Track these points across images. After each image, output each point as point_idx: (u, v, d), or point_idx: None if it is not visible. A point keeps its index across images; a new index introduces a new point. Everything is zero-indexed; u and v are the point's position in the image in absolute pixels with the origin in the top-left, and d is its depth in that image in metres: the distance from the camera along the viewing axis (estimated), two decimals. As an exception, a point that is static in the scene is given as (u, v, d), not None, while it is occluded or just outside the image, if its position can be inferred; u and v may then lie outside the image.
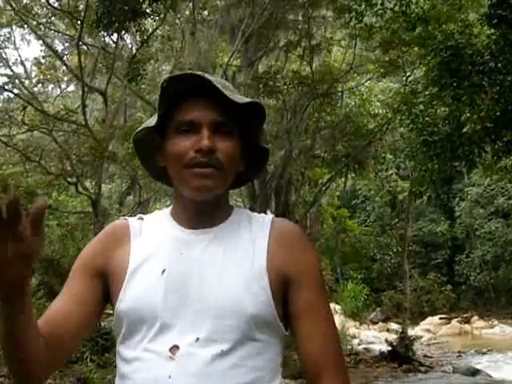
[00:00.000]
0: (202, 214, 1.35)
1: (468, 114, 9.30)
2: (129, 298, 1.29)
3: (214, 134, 1.30)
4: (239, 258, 1.30)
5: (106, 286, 1.34)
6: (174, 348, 1.23)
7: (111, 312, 1.36)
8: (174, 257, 1.31)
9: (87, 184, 13.16)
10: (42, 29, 14.83)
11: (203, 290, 1.27)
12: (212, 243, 1.32)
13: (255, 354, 1.26)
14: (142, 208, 13.39)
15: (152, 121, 1.36)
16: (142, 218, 1.42)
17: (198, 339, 1.23)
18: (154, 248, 1.33)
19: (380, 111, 15.26)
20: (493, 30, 8.94)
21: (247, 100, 1.33)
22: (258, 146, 1.42)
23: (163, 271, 1.29)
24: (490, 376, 12.19)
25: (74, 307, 1.32)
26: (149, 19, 12.61)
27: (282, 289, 1.30)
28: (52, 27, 15.05)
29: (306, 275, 1.33)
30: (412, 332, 16.23)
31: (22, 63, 20.04)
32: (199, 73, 1.34)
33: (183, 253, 1.31)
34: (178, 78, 1.32)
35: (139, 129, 1.39)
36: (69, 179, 13.13)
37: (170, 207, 1.43)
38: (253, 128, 1.40)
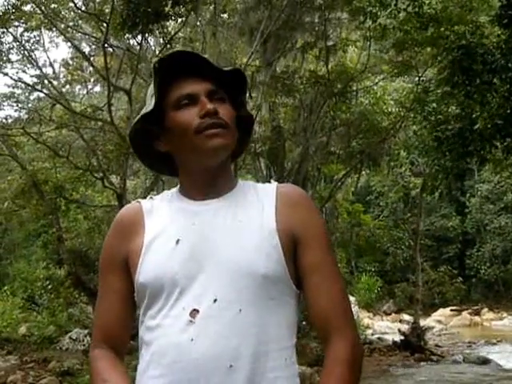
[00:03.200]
0: (209, 183, 1.38)
1: (479, 112, 9.11)
2: (146, 269, 1.32)
3: (211, 102, 1.35)
4: (249, 221, 1.33)
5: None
6: (194, 312, 1.26)
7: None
8: (187, 227, 1.34)
9: (113, 179, 13.29)
10: (70, 31, 14.93)
11: (217, 255, 1.29)
12: (221, 210, 1.35)
13: (272, 311, 1.29)
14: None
15: (147, 108, 1.36)
16: (152, 198, 1.45)
17: (215, 301, 1.26)
18: (167, 222, 1.36)
19: (393, 109, 15.22)
20: (503, 30, 8.82)
21: (231, 68, 1.41)
22: (243, 115, 1.45)
23: (177, 241, 1.32)
24: (500, 365, 12.33)
25: (116, 304, 1.40)
26: (171, 21, 12.82)
27: (292, 248, 1.32)
28: (79, 30, 15.12)
29: (313, 234, 1.35)
30: (424, 323, 16.30)
31: (51, 64, 20.04)
32: (187, 49, 1.44)
33: (195, 223, 1.34)
34: (169, 57, 1.36)
35: (136, 120, 1.40)
36: (95, 174, 13.39)
37: (177, 187, 1.45)
38: (238, 96, 1.44)
